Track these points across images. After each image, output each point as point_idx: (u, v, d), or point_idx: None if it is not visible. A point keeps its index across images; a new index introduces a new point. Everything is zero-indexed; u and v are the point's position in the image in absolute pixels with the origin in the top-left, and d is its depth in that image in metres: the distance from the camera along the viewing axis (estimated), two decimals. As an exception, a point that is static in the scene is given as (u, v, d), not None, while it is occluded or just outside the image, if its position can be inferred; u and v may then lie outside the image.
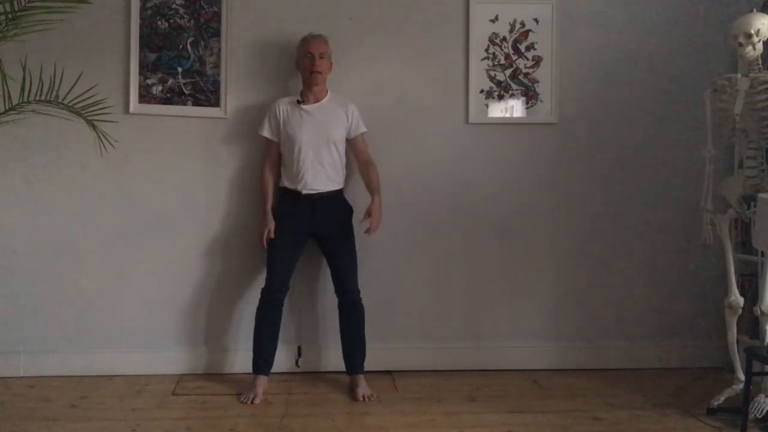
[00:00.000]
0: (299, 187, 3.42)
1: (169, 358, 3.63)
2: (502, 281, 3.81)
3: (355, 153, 3.54)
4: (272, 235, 3.43)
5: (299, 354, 3.68)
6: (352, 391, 3.39)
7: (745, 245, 3.56)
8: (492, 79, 3.77)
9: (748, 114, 3.05)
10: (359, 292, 3.49)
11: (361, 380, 3.41)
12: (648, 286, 3.87)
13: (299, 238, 3.46)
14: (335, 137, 3.45)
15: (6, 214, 3.55)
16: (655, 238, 3.86)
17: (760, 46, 3.03)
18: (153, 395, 3.34)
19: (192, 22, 3.63)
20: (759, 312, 3.10)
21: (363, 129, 3.51)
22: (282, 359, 3.58)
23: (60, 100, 3.06)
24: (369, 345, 3.51)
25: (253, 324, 3.47)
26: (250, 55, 3.65)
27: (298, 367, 3.67)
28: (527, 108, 3.80)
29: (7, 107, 3.01)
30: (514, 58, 3.77)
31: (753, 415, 2.98)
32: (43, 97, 3.04)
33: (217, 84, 3.63)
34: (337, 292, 3.51)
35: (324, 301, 3.68)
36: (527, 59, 3.78)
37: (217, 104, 3.63)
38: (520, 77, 3.78)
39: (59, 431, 2.91)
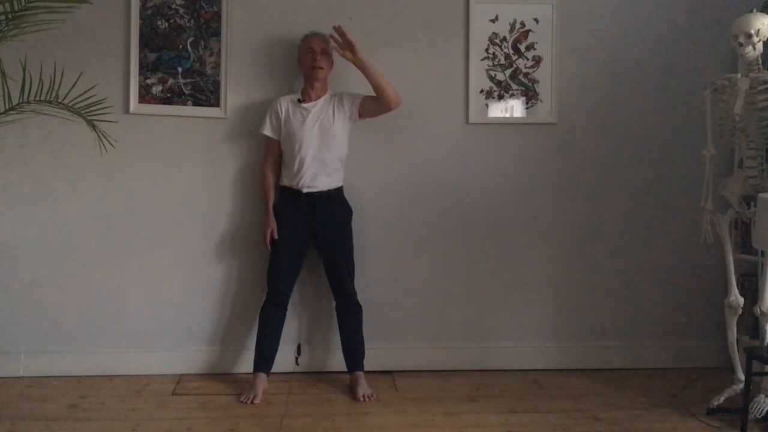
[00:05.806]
0: (299, 186, 3.42)
1: (170, 358, 3.62)
2: (502, 281, 3.81)
3: (372, 104, 3.45)
4: (276, 235, 3.43)
5: (298, 352, 3.68)
6: (352, 391, 3.38)
7: (745, 245, 3.56)
8: (492, 79, 3.77)
9: (748, 114, 3.05)
10: (356, 294, 3.50)
11: (362, 379, 3.41)
12: (648, 286, 3.87)
13: (301, 237, 3.46)
14: (336, 134, 3.45)
15: (6, 214, 3.54)
16: (655, 238, 3.86)
17: (760, 46, 3.03)
18: (153, 395, 3.34)
19: (192, 22, 3.63)
20: (759, 312, 3.09)
21: (361, 95, 3.46)
22: (282, 359, 3.57)
23: (60, 100, 3.06)
24: (369, 345, 3.51)
25: (254, 324, 3.48)
26: (250, 54, 3.65)
27: (297, 365, 3.67)
28: (527, 108, 3.80)
29: (7, 107, 3.01)
30: (514, 58, 3.77)
31: (753, 415, 2.98)
32: (43, 97, 3.03)
33: (217, 84, 3.63)
34: (335, 294, 3.53)
35: (324, 301, 3.67)
36: (527, 59, 3.78)
37: (217, 104, 3.63)
38: (520, 77, 3.78)
39: (59, 431, 2.91)
